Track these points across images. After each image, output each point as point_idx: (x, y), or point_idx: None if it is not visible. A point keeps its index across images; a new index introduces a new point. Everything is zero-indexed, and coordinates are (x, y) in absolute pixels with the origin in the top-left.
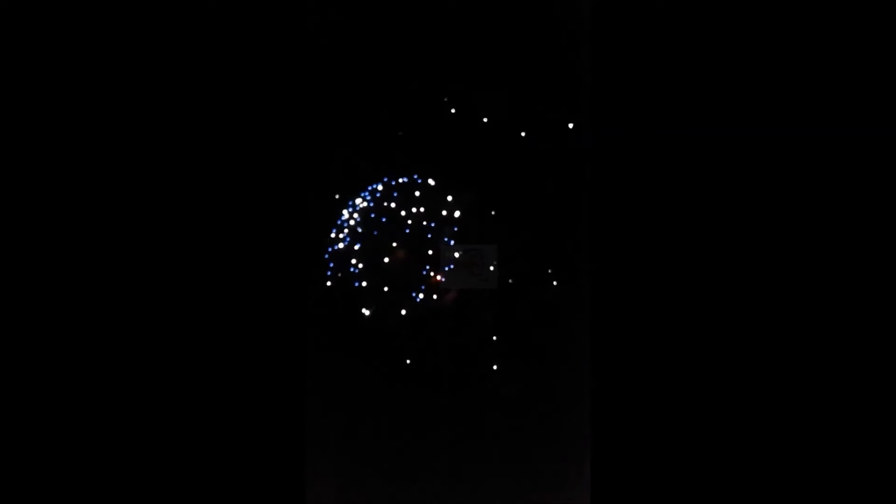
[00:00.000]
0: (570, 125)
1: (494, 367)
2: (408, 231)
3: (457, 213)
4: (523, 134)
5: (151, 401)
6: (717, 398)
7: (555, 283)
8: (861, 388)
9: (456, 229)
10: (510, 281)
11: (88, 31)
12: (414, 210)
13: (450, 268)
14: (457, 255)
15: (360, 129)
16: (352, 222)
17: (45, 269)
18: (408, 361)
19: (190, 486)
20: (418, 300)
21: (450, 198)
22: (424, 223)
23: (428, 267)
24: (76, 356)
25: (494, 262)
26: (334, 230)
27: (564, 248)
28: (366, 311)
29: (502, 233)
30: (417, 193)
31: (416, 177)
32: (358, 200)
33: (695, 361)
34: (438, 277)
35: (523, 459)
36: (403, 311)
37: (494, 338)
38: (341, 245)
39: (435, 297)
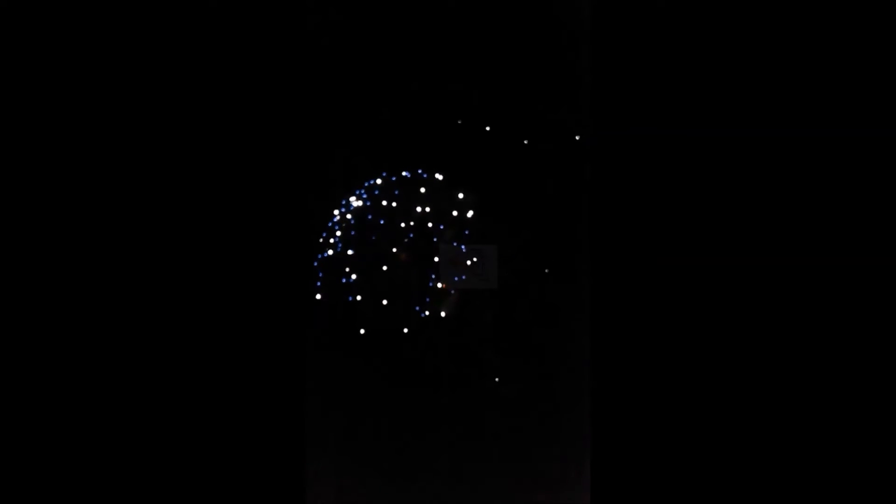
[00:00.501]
0: (571, 125)
1: (497, 379)
2: (411, 235)
3: (469, 213)
4: (523, 134)
5: (152, 403)
6: (717, 398)
7: (555, 283)
8: (861, 389)
9: (467, 232)
10: (510, 281)
11: (88, 30)
12: (418, 209)
13: (461, 277)
14: (469, 262)
15: (359, 128)
16: (345, 225)
17: (43, 271)
18: (407, 360)
19: (191, 487)
20: (423, 315)
21: (461, 195)
22: (430, 224)
23: (434, 276)
24: (83, 360)
25: (494, 262)
26: (325, 234)
27: (564, 248)
28: (362, 330)
29: (502, 233)
30: (423, 190)
31: (420, 171)
32: (352, 199)
33: (695, 361)
34: (446, 287)
35: (523, 459)
36: (406, 330)
37: (494, 338)
38: (331, 252)
39: (443, 314)
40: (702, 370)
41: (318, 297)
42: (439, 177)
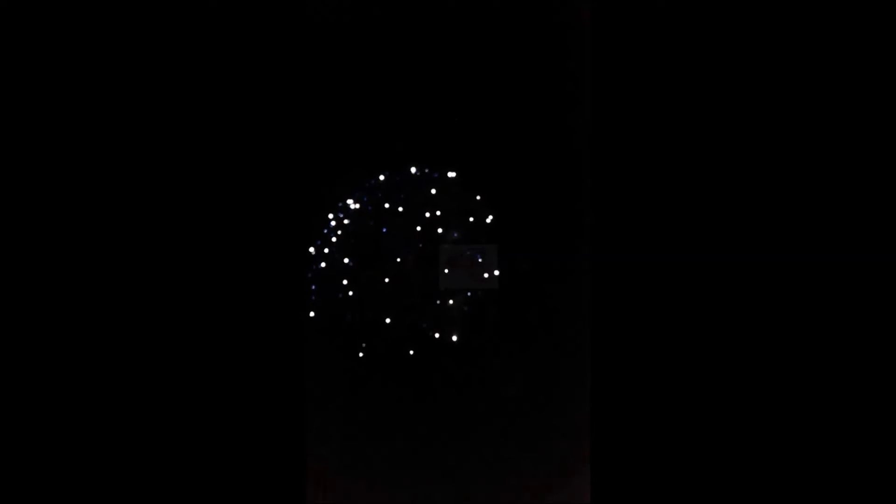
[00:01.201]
0: (570, 125)
1: (495, 370)
2: (420, 244)
3: (489, 219)
4: (523, 134)
5: (153, 403)
6: (717, 398)
7: (555, 283)
8: (862, 389)
9: (482, 240)
10: (510, 281)
11: (89, 28)
12: (427, 214)
13: (465, 280)
14: (486, 276)
15: (359, 128)
16: (340, 231)
17: (39, 273)
18: (406, 363)
19: (191, 487)
20: (431, 337)
21: (479, 198)
22: (440, 231)
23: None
24: (87, 364)
25: (495, 262)
26: (319, 242)
27: (564, 248)
28: (361, 353)
29: (502, 233)
30: (434, 191)
31: (429, 170)
32: (350, 201)
33: (694, 361)
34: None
35: (523, 459)
36: (412, 352)
37: (494, 338)
38: (324, 264)
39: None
40: (701, 370)
41: (312, 314)
42: (452, 174)
